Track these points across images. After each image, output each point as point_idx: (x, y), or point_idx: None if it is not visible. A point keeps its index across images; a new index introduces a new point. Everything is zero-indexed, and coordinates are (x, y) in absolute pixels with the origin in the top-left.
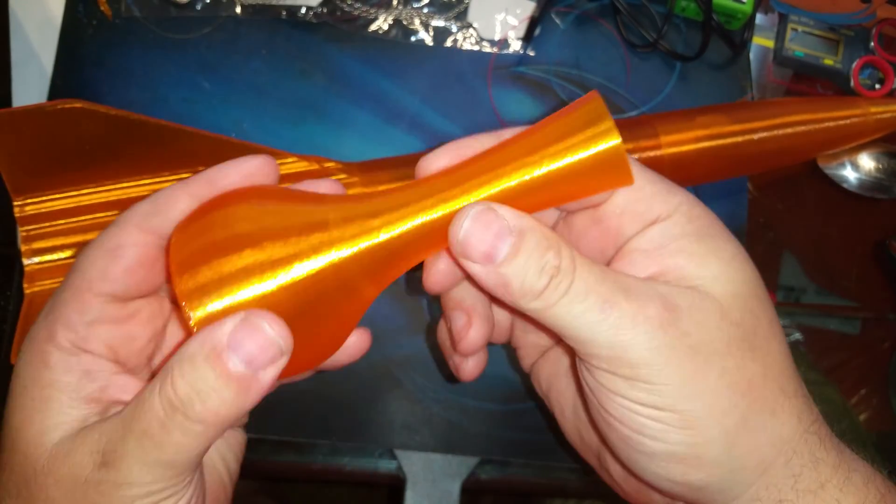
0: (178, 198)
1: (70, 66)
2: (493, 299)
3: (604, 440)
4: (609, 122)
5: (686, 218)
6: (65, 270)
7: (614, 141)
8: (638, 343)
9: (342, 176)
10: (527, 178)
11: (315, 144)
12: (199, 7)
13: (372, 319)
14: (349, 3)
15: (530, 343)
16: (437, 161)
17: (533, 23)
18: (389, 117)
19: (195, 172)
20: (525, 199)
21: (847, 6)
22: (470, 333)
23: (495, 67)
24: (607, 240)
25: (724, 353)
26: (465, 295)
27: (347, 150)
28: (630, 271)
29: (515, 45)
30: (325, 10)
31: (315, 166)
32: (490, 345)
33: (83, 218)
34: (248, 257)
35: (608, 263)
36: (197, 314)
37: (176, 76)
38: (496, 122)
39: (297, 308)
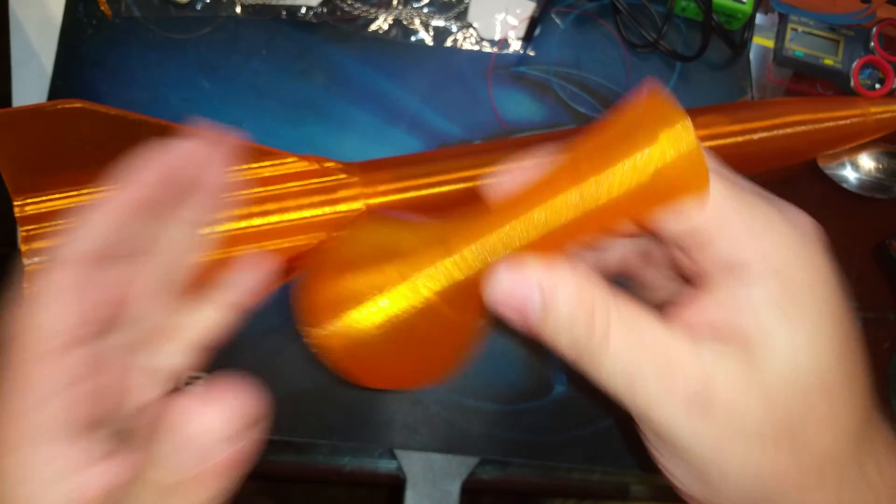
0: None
1: (70, 66)
2: None
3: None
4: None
5: (779, 282)
6: None
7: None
8: (664, 422)
9: (342, 176)
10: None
11: (315, 144)
12: (199, 7)
13: None
14: (349, 2)
15: None
16: (507, 184)
17: (533, 23)
18: (389, 117)
19: None
20: (584, 229)
21: (847, 6)
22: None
23: (495, 67)
24: (684, 265)
25: (756, 441)
26: None
27: (347, 150)
28: (693, 315)
29: (515, 45)
30: (325, 10)
31: (315, 166)
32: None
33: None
34: (364, 280)
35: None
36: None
37: (176, 76)
38: (496, 122)
39: (389, 339)
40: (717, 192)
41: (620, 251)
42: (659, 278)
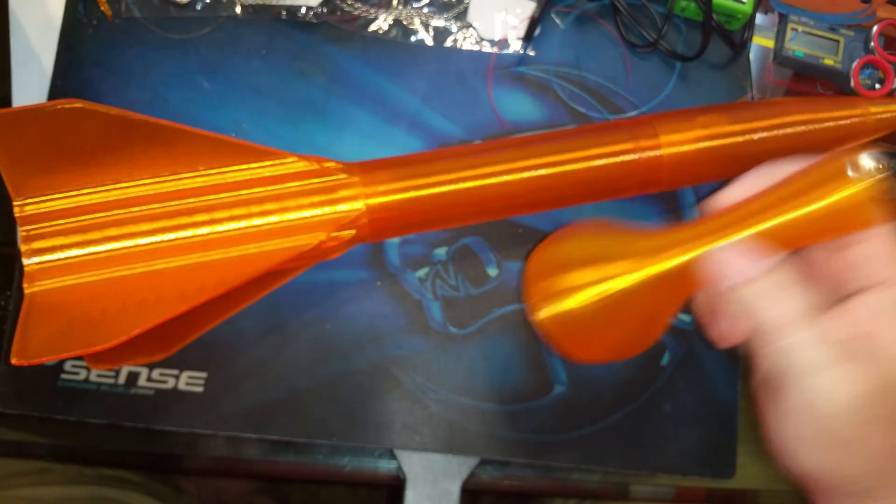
0: None
1: (70, 65)
2: None
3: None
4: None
5: None
6: (65, 270)
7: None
8: (833, 402)
9: (342, 176)
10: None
11: (315, 144)
12: (198, 7)
13: (372, 319)
14: (349, 3)
15: None
16: (726, 198)
17: (533, 23)
18: (389, 117)
19: (196, 172)
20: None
21: (847, 6)
22: (725, 339)
23: (495, 67)
24: (836, 283)
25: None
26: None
27: (347, 150)
28: (834, 317)
29: (515, 45)
30: (324, 10)
31: (315, 166)
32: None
33: (83, 218)
34: (576, 277)
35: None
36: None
37: (176, 76)
38: (496, 122)
39: (607, 314)
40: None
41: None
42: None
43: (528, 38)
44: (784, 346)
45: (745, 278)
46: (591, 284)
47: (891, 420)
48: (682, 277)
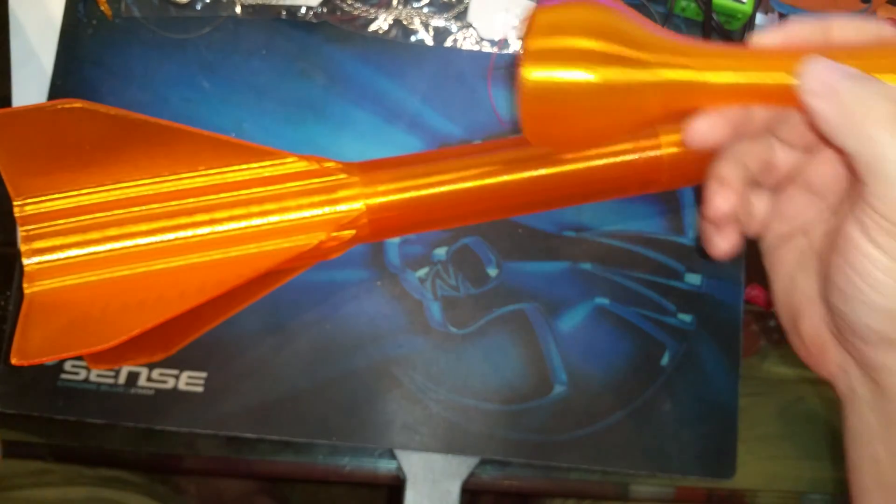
0: None
1: (70, 66)
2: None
3: (825, 293)
4: None
5: None
6: (65, 270)
7: None
8: None
9: (342, 176)
10: None
11: (315, 144)
12: (198, 7)
13: (372, 319)
14: (349, 2)
15: (776, 233)
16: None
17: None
18: (389, 117)
19: (196, 172)
20: None
21: (847, 6)
22: (716, 198)
23: (495, 67)
24: None
25: None
26: (726, 170)
27: (347, 150)
28: None
29: (515, 45)
30: (324, 10)
31: (315, 166)
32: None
33: (83, 218)
34: (587, 43)
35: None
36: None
37: (176, 76)
38: (496, 122)
39: (603, 99)
40: None
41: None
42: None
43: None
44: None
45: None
46: (610, 63)
47: None
48: (711, 92)
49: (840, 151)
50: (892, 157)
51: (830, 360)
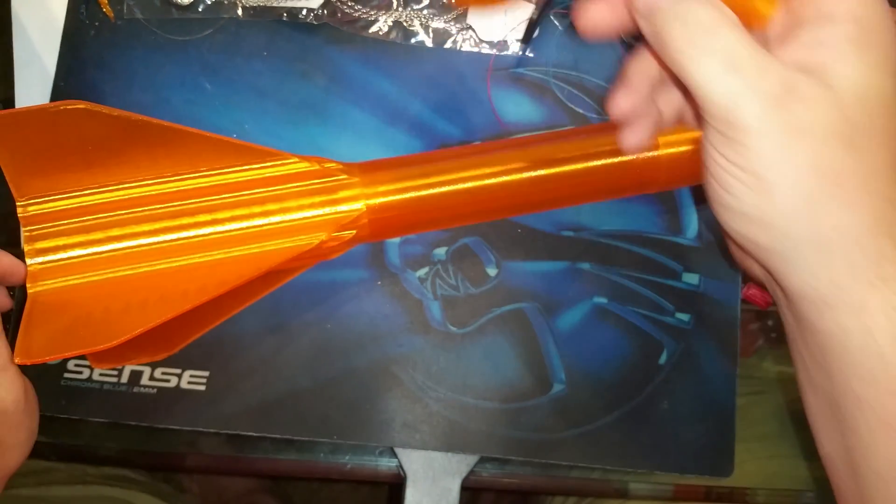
0: None
1: (72, 67)
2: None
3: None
4: None
5: (857, 25)
6: (68, 270)
7: None
8: (748, 111)
9: (343, 176)
10: None
11: (316, 145)
12: (200, 9)
13: (372, 318)
14: (349, 4)
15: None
16: None
17: (531, 25)
18: (389, 118)
19: (198, 172)
20: None
21: None
22: (617, 95)
23: (494, 69)
24: (786, 18)
25: (823, 141)
26: (632, 69)
27: (348, 151)
28: (781, 53)
29: (514, 47)
30: (325, 13)
31: (316, 167)
32: None
33: (86, 218)
34: None
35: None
36: None
37: (178, 78)
38: (496, 123)
39: None
40: None
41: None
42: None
43: (526, 40)
44: (724, 92)
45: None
46: None
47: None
48: None
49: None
50: (704, 71)
51: (751, 264)
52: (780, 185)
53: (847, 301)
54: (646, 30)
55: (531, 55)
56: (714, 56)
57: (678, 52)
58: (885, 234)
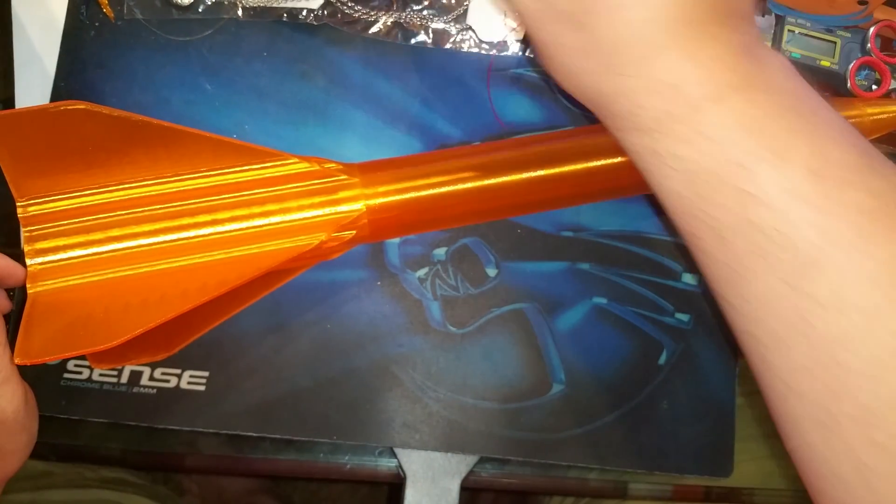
0: None
1: (72, 67)
2: None
3: None
4: None
5: None
6: (68, 271)
7: None
8: None
9: (343, 177)
10: None
11: (316, 145)
12: (200, 10)
13: (372, 319)
14: (349, 5)
15: None
16: None
17: None
18: (389, 119)
19: (198, 173)
20: None
21: (844, 7)
22: None
23: (494, 69)
24: None
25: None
26: None
27: (348, 151)
28: None
29: (514, 48)
30: (325, 13)
31: (316, 167)
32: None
33: (86, 219)
34: None
35: None
36: None
37: (178, 78)
38: (495, 123)
39: None
40: None
41: None
42: None
43: (527, 41)
44: None
45: None
46: None
47: None
48: None
49: None
50: None
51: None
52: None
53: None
54: None
55: (531, 55)
56: None
57: None
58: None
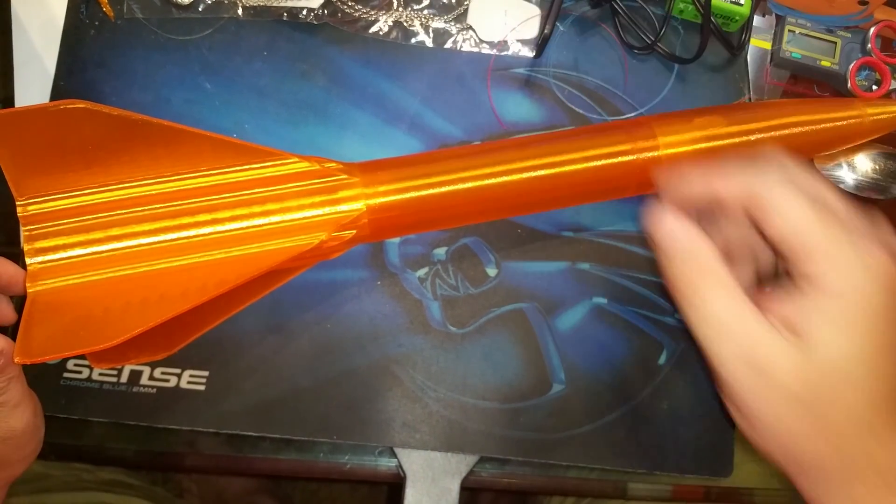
0: None
1: (72, 66)
2: None
3: None
4: None
5: (840, 302)
6: (67, 270)
7: None
8: (727, 372)
9: (343, 176)
10: None
11: (316, 145)
12: (200, 9)
13: (372, 318)
14: (350, 4)
15: None
16: None
17: (544, 40)
18: (389, 118)
19: (198, 172)
20: None
21: (844, 8)
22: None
23: (494, 69)
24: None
25: (787, 402)
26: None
27: (348, 151)
28: (774, 306)
29: (514, 48)
30: (325, 12)
31: (316, 166)
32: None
33: (86, 218)
34: None
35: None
36: None
37: (178, 77)
38: (496, 124)
39: None
40: (810, 218)
41: (733, 231)
42: (749, 261)
43: (539, 54)
44: (720, 332)
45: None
46: None
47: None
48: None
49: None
50: (701, 336)
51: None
52: (763, 435)
53: None
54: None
55: (531, 55)
56: (703, 322)
57: (676, 299)
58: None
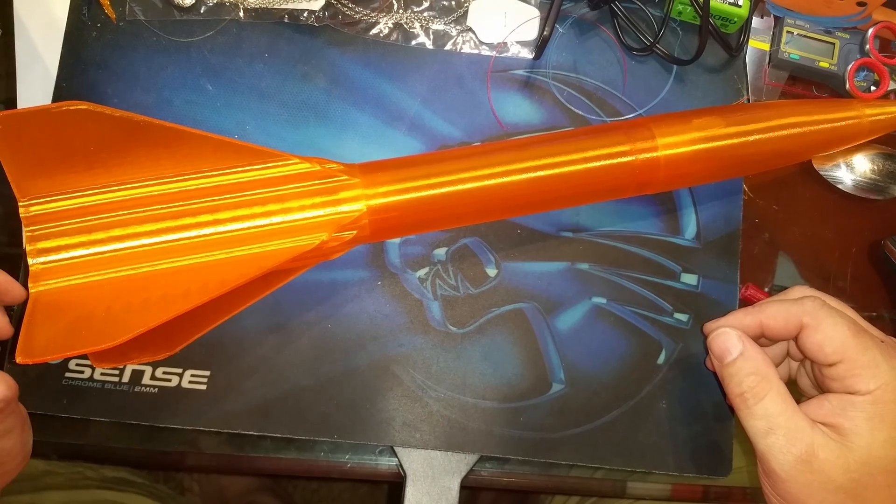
0: None
1: (74, 68)
2: None
3: None
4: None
5: (874, 405)
6: (70, 270)
7: None
8: (778, 464)
9: (343, 177)
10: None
11: (317, 146)
12: (202, 11)
13: (373, 318)
14: (350, 6)
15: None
16: None
17: (544, 42)
18: (390, 120)
19: (199, 173)
20: None
21: (843, 9)
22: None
23: (494, 70)
24: (817, 377)
25: (833, 492)
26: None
27: (348, 152)
28: (815, 406)
29: (514, 49)
30: (326, 15)
31: (316, 167)
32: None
33: (88, 218)
34: None
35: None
36: None
37: (180, 79)
38: (495, 125)
39: None
40: (846, 334)
41: (778, 350)
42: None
43: (538, 56)
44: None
45: (730, 355)
46: None
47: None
48: None
49: None
50: (751, 426)
51: None
52: None
53: None
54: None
55: (531, 57)
56: (758, 420)
57: (735, 401)
58: None
